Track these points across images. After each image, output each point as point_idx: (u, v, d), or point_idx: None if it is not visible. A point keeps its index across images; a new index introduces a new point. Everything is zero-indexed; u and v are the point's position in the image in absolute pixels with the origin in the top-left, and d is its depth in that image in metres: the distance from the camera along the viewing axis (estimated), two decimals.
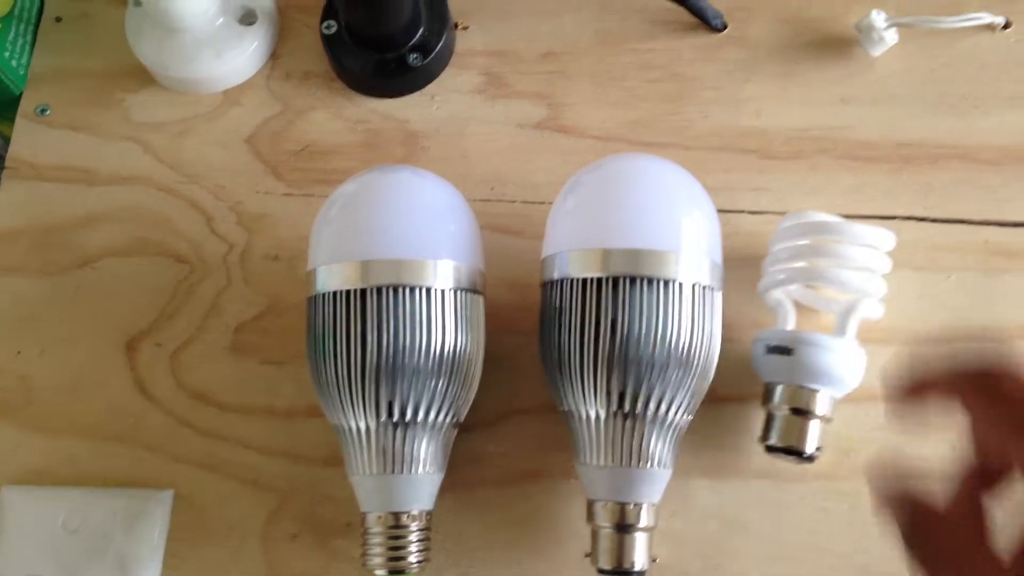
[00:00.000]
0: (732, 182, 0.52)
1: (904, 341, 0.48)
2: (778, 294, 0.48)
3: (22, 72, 0.60)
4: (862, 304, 0.46)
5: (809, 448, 0.45)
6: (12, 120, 0.59)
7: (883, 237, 0.47)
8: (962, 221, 0.50)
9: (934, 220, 0.50)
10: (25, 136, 0.58)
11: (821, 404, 0.45)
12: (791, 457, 0.46)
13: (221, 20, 0.57)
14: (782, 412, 0.46)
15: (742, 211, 0.52)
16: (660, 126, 0.55)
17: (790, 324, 0.48)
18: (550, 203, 0.52)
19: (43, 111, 0.59)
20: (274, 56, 0.59)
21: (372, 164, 0.55)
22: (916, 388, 0.35)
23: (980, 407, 0.34)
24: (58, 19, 0.61)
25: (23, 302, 0.55)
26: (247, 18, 0.58)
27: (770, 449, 0.46)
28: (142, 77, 0.59)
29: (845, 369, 0.45)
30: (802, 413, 0.45)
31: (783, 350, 0.46)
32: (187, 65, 0.57)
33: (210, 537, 0.49)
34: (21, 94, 0.60)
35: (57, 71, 0.60)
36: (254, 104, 0.58)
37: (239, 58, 0.57)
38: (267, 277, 0.54)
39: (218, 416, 0.51)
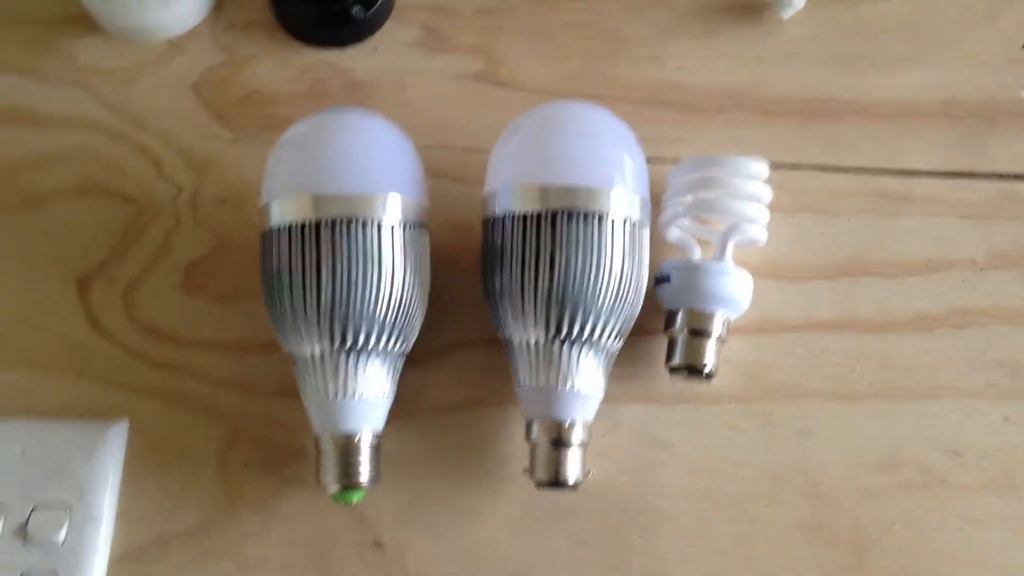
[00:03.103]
0: (656, 133, 0.56)
1: (810, 277, 0.53)
2: (676, 231, 0.53)
3: None
4: (736, 228, 0.51)
5: (708, 365, 0.50)
6: None
7: (754, 166, 0.51)
8: (860, 170, 0.55)
9: (836, 169, 0.56)
10: None
11: (715, 324, 0.50)
12: (692, 375, 0.50)
13: None
14: (682, 335, 0.50)
15: (664, 159, 0.56)
16: (591, 80, 0.58)
17: (696, 256, 0.52)
18: (488, 150, 0.56)
19: None
20: (218, 6, 0.61)
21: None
22: None
23: None
24: None
25: None
26: None
27: (673, 370, 0.51)
28: (86, 24, 0.60)
29: (726, 288, 0.49)
30: (697, 333, 0.50)
31: (663, 278, 0.50)
32: (135, 13, 0.58)
33: (165, 464, 0.52)
34: None
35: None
36: (199, 52, 0.60)
37: (184, 7, 0.59)
38: (216, 219, 0.56)
39: (171, 349, 0.54)
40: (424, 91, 0.58)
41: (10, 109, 0.58)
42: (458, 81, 0.59)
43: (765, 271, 0.53)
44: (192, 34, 0.60)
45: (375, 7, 0.58)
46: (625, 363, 0.51)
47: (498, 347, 0.52)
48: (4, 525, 0.49)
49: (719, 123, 0.57)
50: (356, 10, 0.58)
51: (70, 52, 0.60)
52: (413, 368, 0.51)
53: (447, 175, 0.56)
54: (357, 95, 0.58)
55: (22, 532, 0.49)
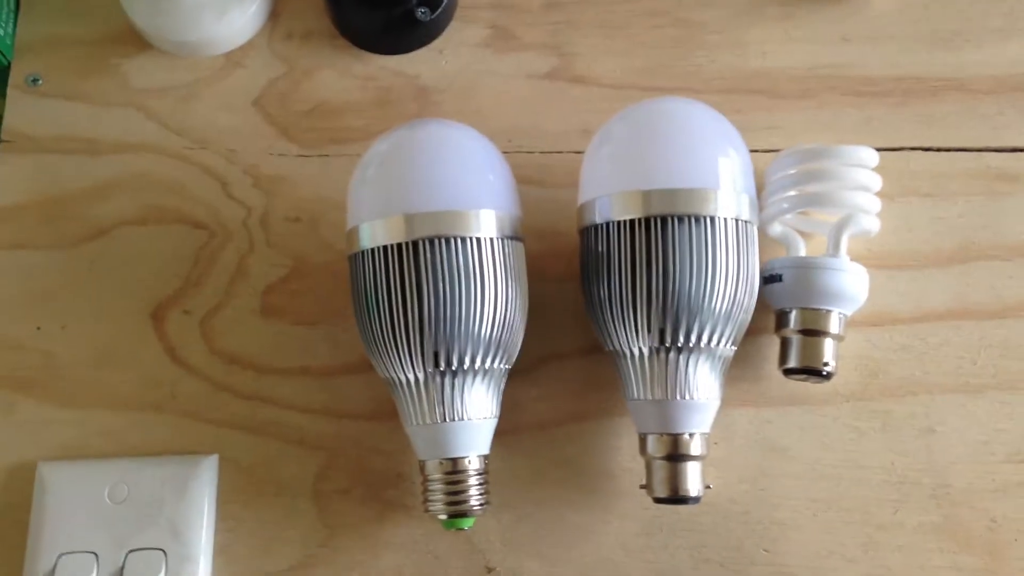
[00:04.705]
0: (744, 123, 0.53)
1: (920, 265, 0.51)
2: (779, 226, 0.50)
3: (8, 42, 0.58)
4: (850, 221, 0.48)
5: (828, 366, 0.47)
6: (3, 93, 0.57)
7: (864, 154, 0.48)
8: (964, 149, 0.53)
9: (938, 150, 0.53)
10: (19, 108, 0.57)
11: (831, 323, 0.47)
12: (809, 377, 0.48)
13: None
14: (795, 335, 0.48)
15: (756, 150, 0.53)
16: (669, 72, 0.56)
17: (800, 251, 0.50)
18: (568, 152, 0.54)
19: (35, 81, 0.57)
20: (274, 16, 0.58)
21: (385, 122, 0.55)
22: None
23: None
24: None
25: (37, 277, 0.53)
26: None
27: (788, 372, 0.48)
28: (137, 42, 0.58)
29: (844, 285, 0.47)
30: (813, 333, 0.47)
31: (774, 278, 0.48)
32: (188, 28, 0.56)
33: (262, 497, 0.50)
34: (9, 64, 0.58)
35: (46, 39, 0.58)
36: (258, 65, 0.57)
37: (240, 19, 0.56)
38: (290, 239, 0.54)
39: (256, 379, 0.51)
40: (495, 93, 0.56)
41: (64, 137, 0.56)
42: (530, 81, 0.56)
43: (873, 261, 0.50)
44: (249, 47, 0.57)
45: (441, 8, 0.55)
46: (732, 365, 0.49)
47: (595, 357, 0.50)
48: (98, 574, 0.47)
49: (810, 108, 0.54)
50: (421, 12, 0.55)
51: (122, 73, 0.57)
52: (509, 382, 0.49)
53: (528, 180, 0.53)
54: (426, 102, 0.56)
55: None
